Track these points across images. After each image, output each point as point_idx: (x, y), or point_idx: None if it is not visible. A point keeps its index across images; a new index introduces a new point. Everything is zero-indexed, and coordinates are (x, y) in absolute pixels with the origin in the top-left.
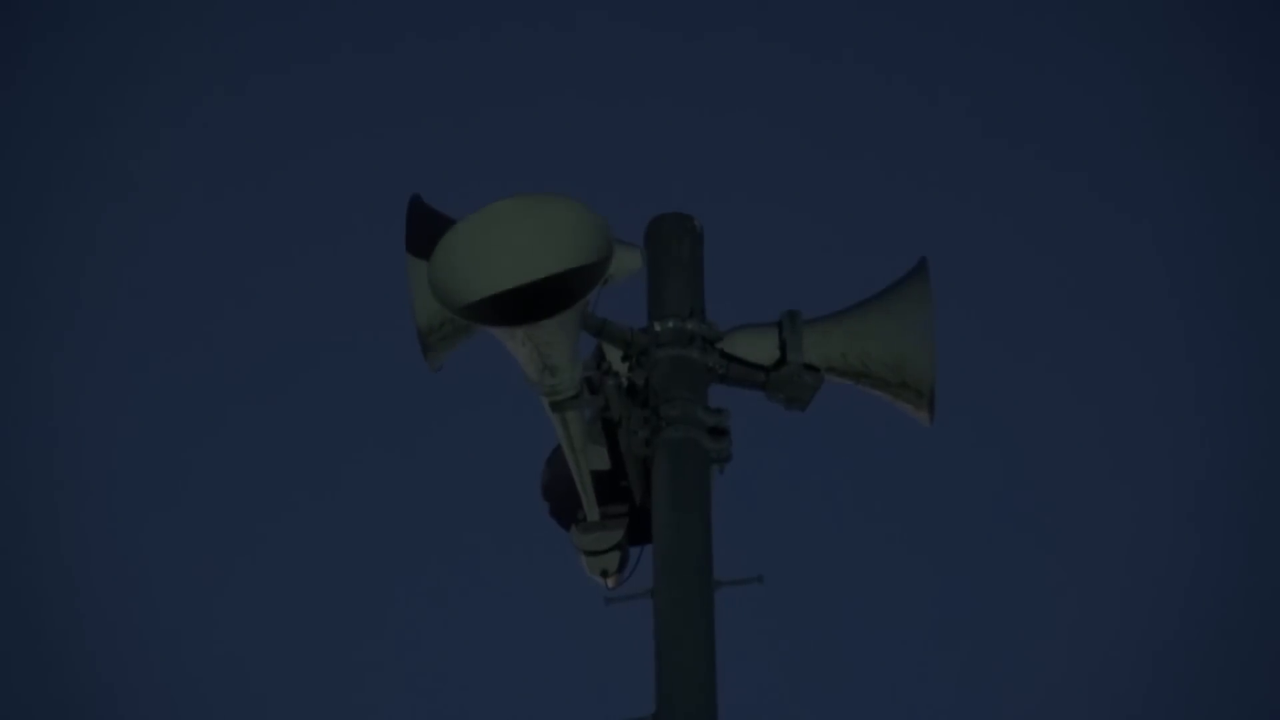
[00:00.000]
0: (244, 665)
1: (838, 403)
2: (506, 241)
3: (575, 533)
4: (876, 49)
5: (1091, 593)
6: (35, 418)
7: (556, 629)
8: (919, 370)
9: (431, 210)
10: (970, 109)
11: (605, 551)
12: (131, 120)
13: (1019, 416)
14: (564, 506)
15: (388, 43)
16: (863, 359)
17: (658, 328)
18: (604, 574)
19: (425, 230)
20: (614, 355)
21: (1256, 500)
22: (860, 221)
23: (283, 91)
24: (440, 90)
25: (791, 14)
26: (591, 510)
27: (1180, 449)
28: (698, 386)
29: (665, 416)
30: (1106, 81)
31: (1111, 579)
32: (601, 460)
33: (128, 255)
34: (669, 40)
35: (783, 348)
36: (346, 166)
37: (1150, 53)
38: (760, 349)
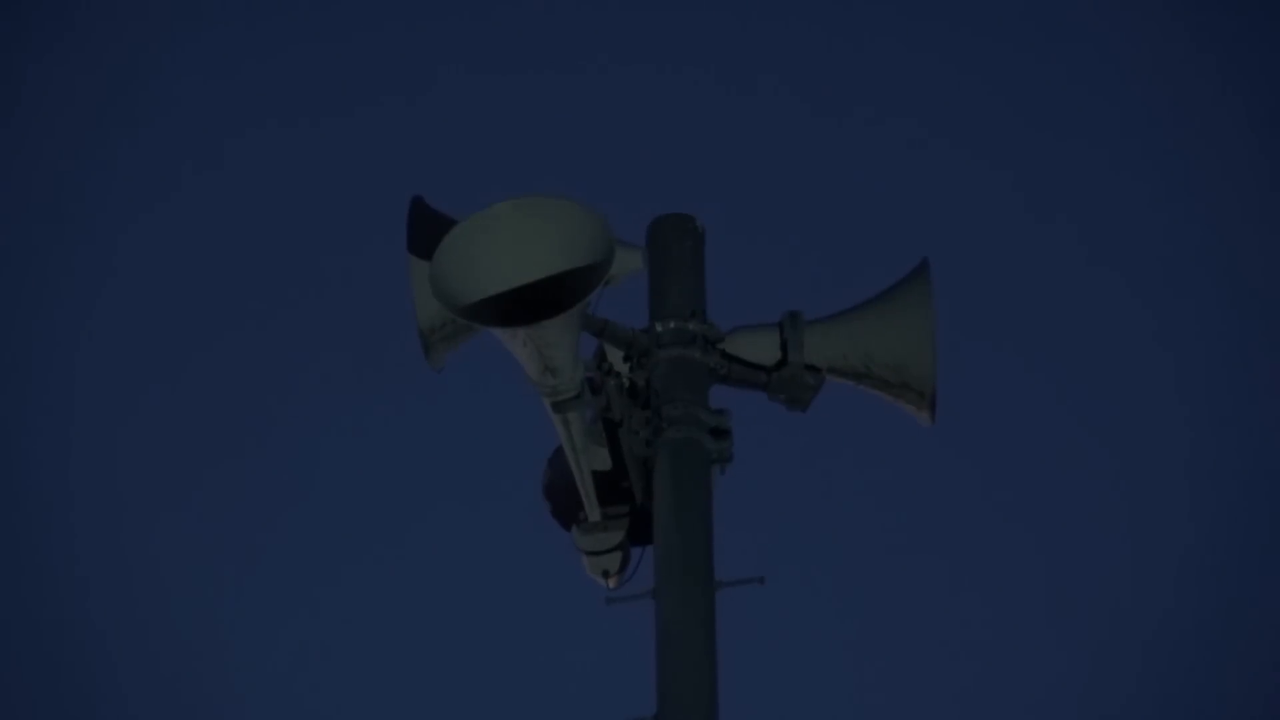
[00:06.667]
0: (239, 663)
1: (839, 403)
2: (508, 242)
3: (576, 533)
4: (877, 47)
5: (1093, 592)
6: (34, 412)
7: (558, 630)
8: (920, 371)
9: (433, 211)
10: (972, 108)
11: (606, 552)
12: (134, 120)
13: (1020, 417)
14: (565, 507)
15: (388, 41)
16: (864, 359)
17: (659, 328)
18: (605, 574)
19: (427, 231)
20: (615, 356)
21: (1254, 499)
22: (862, 222)
23: (284, 91)
24: (442, 91)
25: (794, 13)
26: (593, 511)
27: (1182, 449)
28: (699, 387)
29: (666, 417)
30: (1108, 78)
31: (1112, 579)
32: (603, 461)
33: (127, 254)
34: (671, 41)
35: (784, 348)
36: (347, 167)
37: (1150, 51)
38: (761, 349)
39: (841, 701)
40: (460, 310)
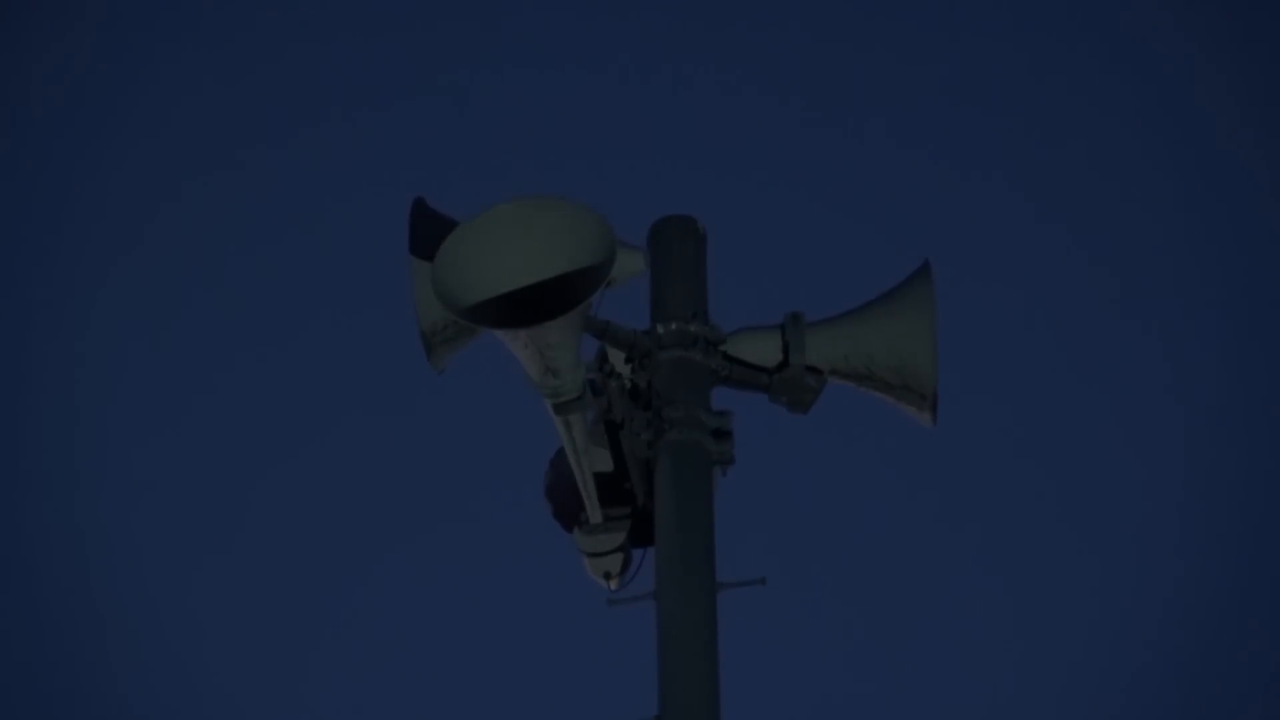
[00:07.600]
0: (235, 661)
1: (840, 405)
2: (509, 244)
3: (578, 535)
4: (879, 48)
5: (1093, 594)
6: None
7: (559, 632)
8: (921, 373)
9: (435, 213)
10: (975, 107)
11: (608, 554)
12: (135, 113)
13: (1022, 418)
14: (567, 508)
15: (392, 41)
16: (866, 361)
17: (660, 330)
18: (606, 576)
19: (428, 232)
20: (617, 357)
21: (1254, 499)
22: (864, 224)
23: (285, 89)
24: (443, 92)
25: (795, 16)
26: (594, 512)
27: (1184, 450)
28: (700, 389)
29: (668, 419)
30: (1108, 78)
31: (1114, 580)
32: (604, 462)
33: (126, 249)
34: (673, 43)
35: (785, 350)
36: (349, 168)
37: (1156, 51)
38: (763, 351)
39: (843, 703)
40: (462, 312)
